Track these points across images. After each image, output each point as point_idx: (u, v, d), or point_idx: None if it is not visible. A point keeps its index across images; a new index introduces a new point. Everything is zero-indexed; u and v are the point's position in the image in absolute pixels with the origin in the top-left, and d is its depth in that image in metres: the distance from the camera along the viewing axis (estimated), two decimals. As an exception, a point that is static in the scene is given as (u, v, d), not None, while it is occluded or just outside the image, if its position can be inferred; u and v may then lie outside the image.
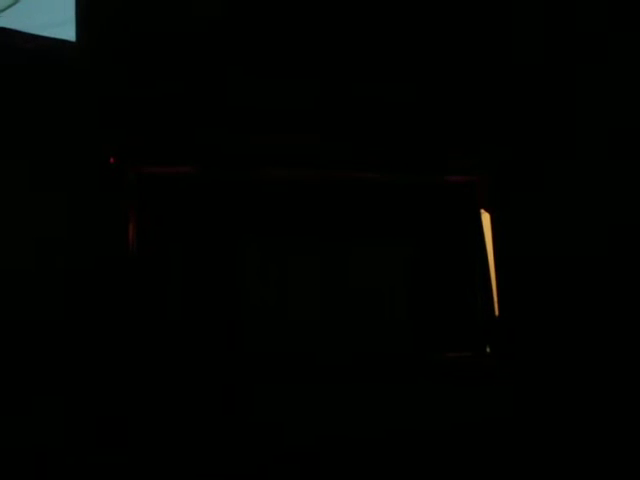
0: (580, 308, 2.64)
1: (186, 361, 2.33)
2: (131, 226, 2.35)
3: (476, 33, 2.77)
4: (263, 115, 2.50)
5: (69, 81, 2.33)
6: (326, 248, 2.58)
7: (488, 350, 2.64)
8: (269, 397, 2.31)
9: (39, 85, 2.30)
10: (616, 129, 2.84)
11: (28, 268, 2.17)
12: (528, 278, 2.64)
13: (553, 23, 2.85)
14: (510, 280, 2.64)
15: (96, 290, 2.22)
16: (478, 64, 2.76)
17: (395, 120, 2.64)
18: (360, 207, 2.64)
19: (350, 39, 2.63)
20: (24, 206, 2.22)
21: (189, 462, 2.19)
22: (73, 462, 2.07)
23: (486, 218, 2.74)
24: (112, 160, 2.32)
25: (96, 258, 2.24)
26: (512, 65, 2.80)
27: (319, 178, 2.61)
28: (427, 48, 2.71)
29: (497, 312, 2.65)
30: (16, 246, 2.18)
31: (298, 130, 2.53)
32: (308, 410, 2.34)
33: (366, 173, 2.64)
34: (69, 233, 2.24)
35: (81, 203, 2.27)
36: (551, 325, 2.61)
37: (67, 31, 2.38)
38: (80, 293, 2.20)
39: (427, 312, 2.63)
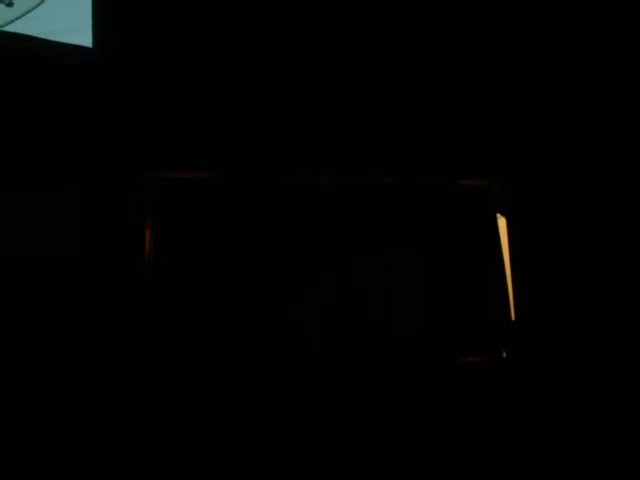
0: (598, 312, 2.63)
1: (198, 365, 2.34)
2: (148, 230, 2.37)
3: (488, 34, 2.76)
4: (279, 121, 2.51)
5: (86, 86, 2.35)
6: (341, 252, 2.58)
7: (504, 355, 2.63)
8: (281, 403, 2.32)
9: (55, 90, 2.31)
10: (626, 129, 2.82)
11: (41, 270, 2.19)
12: (544, 282, 2.63)
13: (558, 24, 2.83)
14: (526, 283, 2.63)
15: (112, 295, 2.23)
16: (496, 63, 2.75)
17: (410, 123, 2.64)
18: (376, 210, 2.64)
19: (359, 43, 2.63)
20: (39, 210, 2.23)
21: (201, 468, 2.19)
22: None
23: (502, 222, 2.73)
24: (130, 165, 2.33)
25: (113, 263, 2.25)
26: (529, 65, 2.78)
27: (337, 183, 2.62)
28: (438, 49, 2.71)
29: (513, 316, 2.64)
30: (32, 249, 2.19)
31: (315, 136, 2.53)
32: (321, 416, 2.34)
33: (385, 177, 2.64)
34: (86, 237, 2.26)
35: (97, 208, 2.29)
36: (568, 329, 2.59)
37: (84, 37, 2.39)
38: (97, 298, 2.22)
39: (443, 316, 2.62)
